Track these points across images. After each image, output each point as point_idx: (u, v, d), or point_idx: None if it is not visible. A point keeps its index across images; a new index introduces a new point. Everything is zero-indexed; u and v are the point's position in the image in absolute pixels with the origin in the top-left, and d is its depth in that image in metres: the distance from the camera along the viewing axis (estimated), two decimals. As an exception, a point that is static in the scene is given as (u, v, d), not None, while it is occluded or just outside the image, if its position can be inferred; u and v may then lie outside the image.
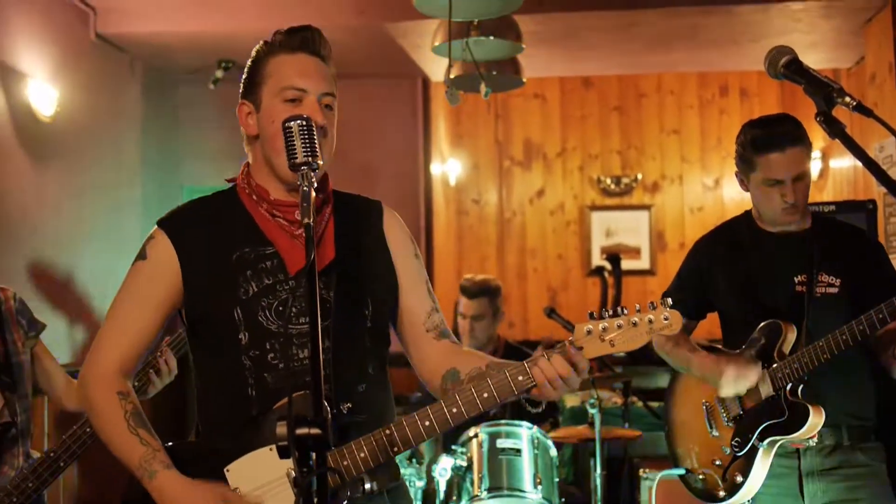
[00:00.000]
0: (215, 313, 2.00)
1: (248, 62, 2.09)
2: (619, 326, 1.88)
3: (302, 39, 2.05)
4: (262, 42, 2.09)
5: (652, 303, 1.89)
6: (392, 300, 2.12)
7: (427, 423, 1.92)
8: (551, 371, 1.87)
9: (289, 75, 2.02)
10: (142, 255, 2.06)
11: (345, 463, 1.92)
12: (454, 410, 1.91)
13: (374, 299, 2.07)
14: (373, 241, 2.13)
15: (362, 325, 2.04)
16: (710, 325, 3.19)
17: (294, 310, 1.99)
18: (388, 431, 1.92)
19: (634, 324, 1.88)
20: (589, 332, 1.89)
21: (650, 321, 1.87)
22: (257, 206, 2.04)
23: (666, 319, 1.87)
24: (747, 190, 2.91)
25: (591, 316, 1.90)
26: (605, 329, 1.88)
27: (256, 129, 2.05)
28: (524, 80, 4.86)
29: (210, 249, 2.03)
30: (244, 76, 2.10)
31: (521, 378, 1.90)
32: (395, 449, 1.93)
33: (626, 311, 1.89)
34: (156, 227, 2.08)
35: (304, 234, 1.97)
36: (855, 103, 1.74)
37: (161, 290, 2.03)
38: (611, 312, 1.89)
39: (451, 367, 2.06)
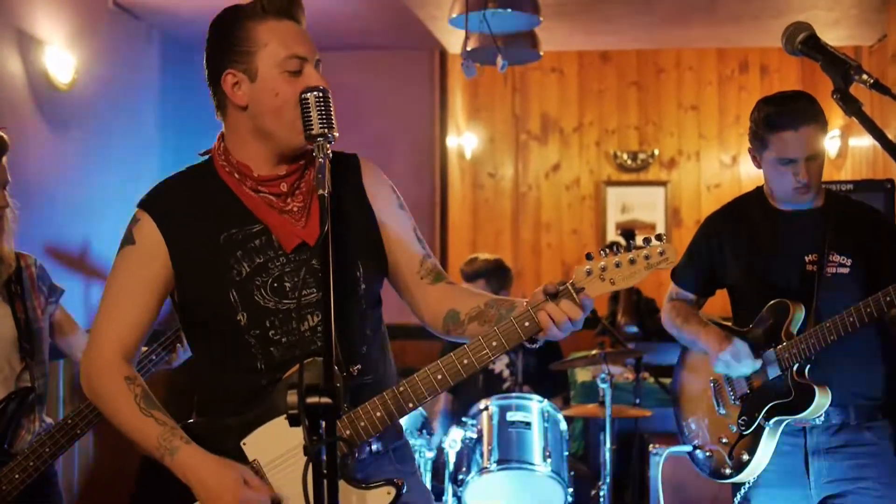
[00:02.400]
0: (210, 298, 1.98)
1: (220, 27, 1.99)
2: (618, 265, 1.88)
3: (289, 3, 1.98)
4: (233, 6, 1.99)
5: (647, 238, 1.89)
6: (381, 258, 2.10)
7: (440, 376, 1.92)
8: (560, 315, 1.87)
9: (288, 44, 1.95)
10: (129, 240, 2.03)
11: (361, 424, 1.93)
12: (465, 362, 1.91)
13: (364, 262, 2.05)
14: (354, 201, 2.09)
15: (357, 289, 2.03)
16: (724, 303, 3.19)
17: (289, 285, 1.98)
18: (401, 388, 1.93)
19: (632, 261, 1.88)
20: (589, 273, 1.89)
21: (647, 256, 1.88)
22: (240, 183, 2.00)
23: (661, 254, 1.88)
24: (760, 167, 2.89)
25: (589, 257, 1.90)
26: (603, 268, 1.89)
27: (246, 101, 1.97)
28: (541, 53, 4.84)
29: (196, 232, 2.00)
30: (219, 43, 1.99)
31: (527, 324, 1.90)
32: (411, 405, 1.93)
33: (621, 250, 1.89)
34: (138, 209, 2.04)
35: (293, 208, 1.98)
36: (872, 81, 1.73)
37: (152, 273, 2.00)
38: (607, 251, 1.90)
39: (450, 309, 2.07)
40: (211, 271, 1.98)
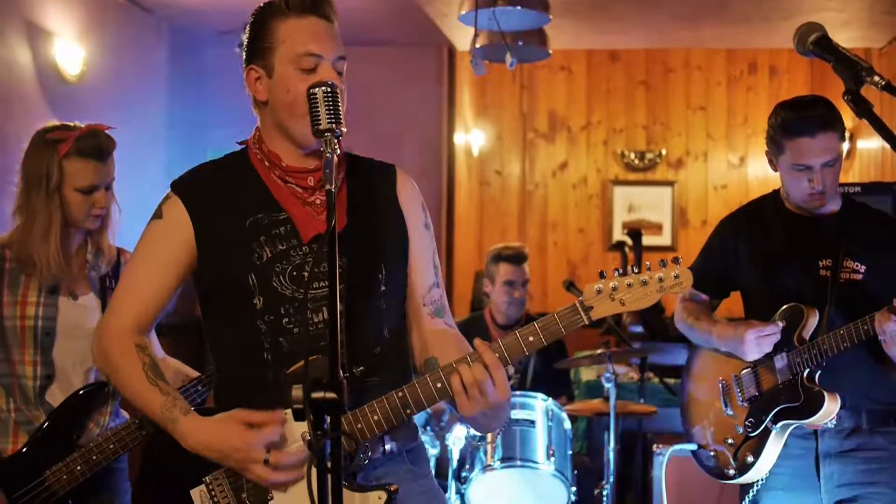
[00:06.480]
0: (230, 279, 2.01)
1: (250, 24, 2.04)
2: (630, 285, 1.85)
3: (312, 1, 2.01)
4: (264, 3, 2.04)
5: (663, 260, 1.86)
6: (405, 264, 2.12)
7: (439, 384, 1.92)
8: (469, 376, 1.86)
9: (304, 41, 1.97)
10: (157, 215, 2.08)
11: (359, 426, 1.93)
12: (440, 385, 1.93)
13: (387, 263, 2.07)
14: (386, 205, 2.12)
15: (377, 288, 2.05)
16: (731, 304, 3.18)
17: (308, 275, 1.99)
18: (400, 394, 1.93)
19: (644, 282, 1.85)
20: (599, 292, 1.86)
21: (660, 279, 1.85)
22: (269, 171, 2.04)
23: (676, 277, 1.84)
24: (777, 170, 2.87)
25: (602, 275, 1.87)
26: (615, 288, 1.85)
27: (266, 95, 2.02)
28: (550, 51, 4.83)
29: (223, 215, 2.03)
30: (247, 39, 2.05)
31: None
32: (409, 411, 1.93)
33: (636, 271, 1.86)
34: (170, 189, 2.09)
35: (316, 201, 2.00)
36: (884, 83, 1.72)
37: (175, 249, 2.05)
38: (621, 271, 1.87)
39: (431, 356, 2.08)
40: (233, 254, 2.01)
